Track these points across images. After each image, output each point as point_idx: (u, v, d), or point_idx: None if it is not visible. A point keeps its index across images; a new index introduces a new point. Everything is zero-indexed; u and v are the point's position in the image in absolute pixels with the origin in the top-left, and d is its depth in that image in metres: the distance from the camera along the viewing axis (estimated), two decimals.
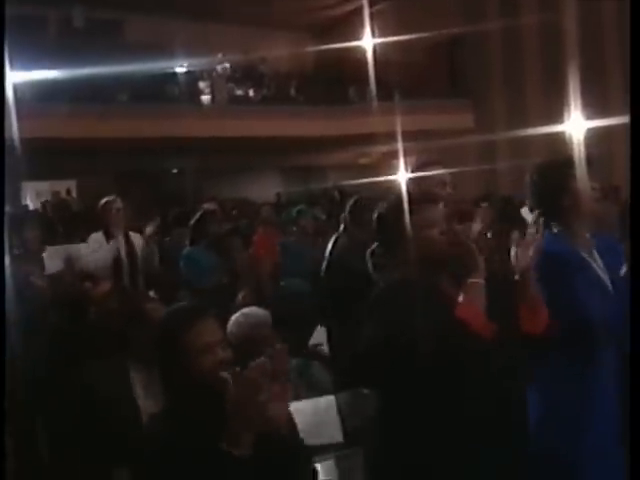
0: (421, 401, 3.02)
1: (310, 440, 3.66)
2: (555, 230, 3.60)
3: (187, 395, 2.72)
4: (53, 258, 6.22)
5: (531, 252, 3.20)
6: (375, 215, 3.51)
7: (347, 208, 6.79)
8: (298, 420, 3.10)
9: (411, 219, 3.23)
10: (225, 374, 2.64)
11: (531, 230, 3.28)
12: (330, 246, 6.93)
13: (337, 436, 4.17)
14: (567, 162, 3.59)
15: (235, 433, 2.50)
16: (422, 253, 3.19)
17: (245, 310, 4.57)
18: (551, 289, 3.27)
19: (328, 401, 4.29)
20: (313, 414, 4.06)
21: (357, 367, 3.47)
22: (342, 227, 6.82)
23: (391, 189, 5.09)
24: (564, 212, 3.58)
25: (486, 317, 3.02)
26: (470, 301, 3.06)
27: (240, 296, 5.81)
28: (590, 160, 3.56)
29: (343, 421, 4.29)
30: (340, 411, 4.29)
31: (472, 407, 3.02)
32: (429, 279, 3.19)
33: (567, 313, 3.24)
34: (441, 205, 3.39)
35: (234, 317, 4.48)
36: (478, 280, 3.11)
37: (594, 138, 3.70)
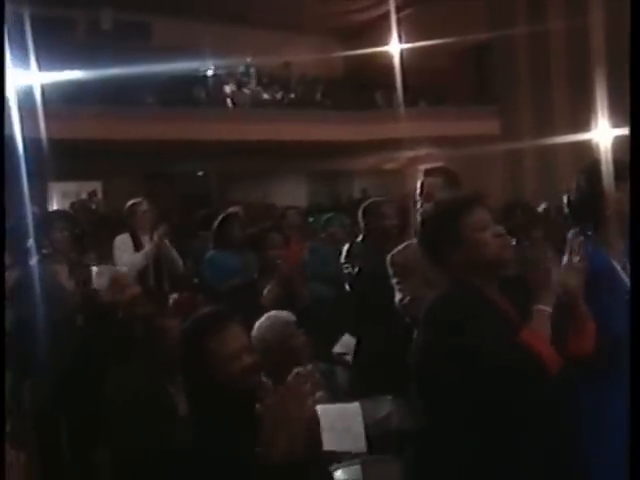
0: (471, 418, 2.85)
1: (333, 446, 3.65)
2: (593, 241, 3.50)
3: (214, 402, 2.71)
4: (103, 276, 6.24)
5: (580, 274, 3.04)
6: (419, 218, 3.26)
7: (360, 213, 6.61)
8: (324, 424, 3.08)
9: (462, 220, 3.01)
10: (265, 380, 2.65)
11: (574, 247, 3.12)
12: (345, 253, 6.84)
13: (361, 446, 4.13)
14: (608, 169, 3.51)
15: (269, 440, 2.48)
16: (473, 258, 2.99)
17: (271, 313, 4.58)
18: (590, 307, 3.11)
19: (354, 408, 4.26)
20: (340, 420, 4.03)
21: (410, 378, 3.27)
22: (361, 235, 6.67)
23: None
24: (604, 222, 3.54)
25: (552, 348, 2.82)
26: (537, 328, 2.85)
27: (270, 294, 5.76)
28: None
29: (367, 429, 4.25)
30: (365, 419, 4.25)
31: (524, 432, 2.86)
32: (480, 287, 3.00)
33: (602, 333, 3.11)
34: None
35: (259, 321, 4.48)
36: (546, 308, 2.89)
37: (622, 144, 3.60)
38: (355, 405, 4.26)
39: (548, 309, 2.88)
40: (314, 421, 2.75)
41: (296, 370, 2.60)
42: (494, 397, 2.77)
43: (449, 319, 2.88)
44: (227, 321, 2.85)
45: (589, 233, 3.53)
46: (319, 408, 2.93)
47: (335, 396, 4.60)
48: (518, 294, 3.01)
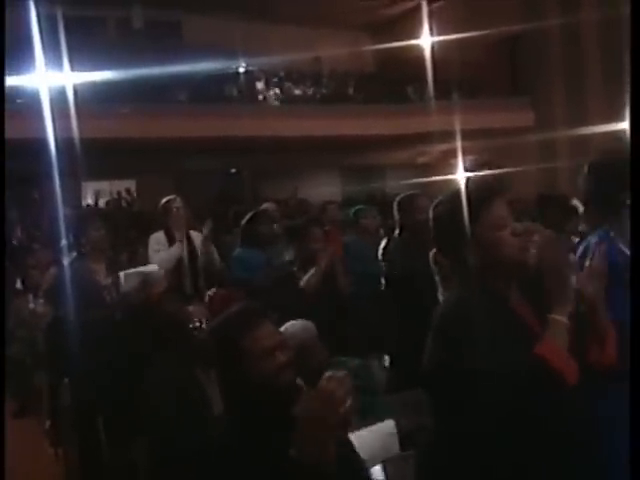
0: (482, 428, 2.61)
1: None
2: (611, 234, 3.30)
3: (248, 400, 2.70)
4: (130, 281, 6.26)
5: (600, 281, 2.77)
6: (431, 214, 2.95)
7: (395, 207, 6.54)
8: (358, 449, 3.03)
9: (477, 218, 2.72)
10: (299, 381, 2.63)
11: (597, 252, 2.85)
12: (381, 250, 6.78)
13: (394, 450, 4.08)
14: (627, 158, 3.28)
15: (304, 442, 2.47)
16: (490, 259, 2.73)
17: (288, 324, 4.46)
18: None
19: (388, 427, 4.19)
20: (373, 442, 3.96)
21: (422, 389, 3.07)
22: (397, 229, 6.61)
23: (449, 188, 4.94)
24: (621, 210, 3.30)
25: (570, 359, 2.57)
26: (552, 340, 2.58)
27: (312, 278, 5.72)
28: None
29: (400, 431, 4.20)
30: (399, 431, 4.18)
31: (541, 446, 2.63)
32: (497, 291, 2.75)
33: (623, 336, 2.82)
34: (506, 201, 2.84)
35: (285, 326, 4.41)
36: (562, 319, 2.59)
37: None
38: (389, 424, 4.19)
39: (564, 319, 2.61)
40: (346, 424, 2.69)
41: (329, 373, 2.57)
42: (506, 410, 2.54)
43: (461, 327, 2.64)
44: (260, 318, 2.83)
45: (605, 224, 3.37)
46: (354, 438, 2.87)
47: (370, 392, 4.57)
48: (539, 299, 2.73)
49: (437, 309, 2.83)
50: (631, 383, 2.56)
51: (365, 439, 3.74)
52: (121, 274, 6.30)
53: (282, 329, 4.31)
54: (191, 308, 4.78)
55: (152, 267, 6.65)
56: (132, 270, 6.43)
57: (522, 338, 2.63)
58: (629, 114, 2.84)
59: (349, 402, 2.48)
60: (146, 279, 6.19)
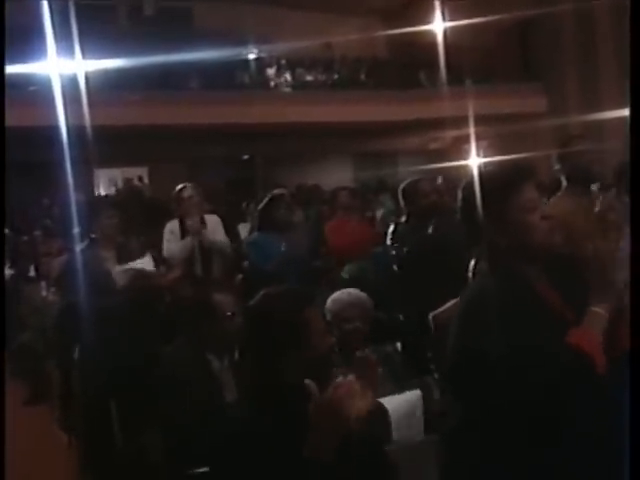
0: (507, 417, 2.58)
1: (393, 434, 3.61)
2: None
3: (267, 387, 2.66)
4: (123, 277, 6.26)
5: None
6: (459, 196, 2.88)
7: (399, 193, 6.57)
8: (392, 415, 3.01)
9: (507, 201, 2.68)
10: (311, 382, 2.59)
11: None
12: (390, 234, 6.80)
13: (419, 435, 4.06)
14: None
15: (317, 442, 2.44)
16: (518, 243, 2.68)
17: (348, 289, 4.58)
18: None
19: (415, 396, 4.18)
20: (400, 409, 3.96)
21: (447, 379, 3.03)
22: (404, 215, 6.65)
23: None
24: None
25: (603, 350, 2.51)
26: (590, 330, 2.53)
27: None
28: None
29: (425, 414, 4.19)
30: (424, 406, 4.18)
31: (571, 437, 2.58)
32: (525, 276, 2.69)
33: None
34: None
35: (336, 294, 4.49)
36: (601, 311, 2.54)
37: None
38: (416, 393, 4.19)
39: (604, 313, 2.54)
40: (358, 425, 2.65)
41: (338, 380, 2.52)
42: (535, 398, 2.50)
43: (488, 312, 2.58)
44: (311, 302, 2.75)
45: None
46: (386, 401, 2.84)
47: (392, 378, 4.56)
48: (570, 286, 2.68)
49: (463, 294, 2.79)
50: (631, 383, 2.52)
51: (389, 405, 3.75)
52: (113, 271, 6.31)
53: (337, 293, 4.43)
54: (204, 292, 4.78)
55: (145, 262, 6.65)
56: (121, 267, 6.43)
57: (551, 323, 2.59)
58: (630, 113, 2.77)
59: (358, 405, 2.45)
60: (137, 275, 6.19)
